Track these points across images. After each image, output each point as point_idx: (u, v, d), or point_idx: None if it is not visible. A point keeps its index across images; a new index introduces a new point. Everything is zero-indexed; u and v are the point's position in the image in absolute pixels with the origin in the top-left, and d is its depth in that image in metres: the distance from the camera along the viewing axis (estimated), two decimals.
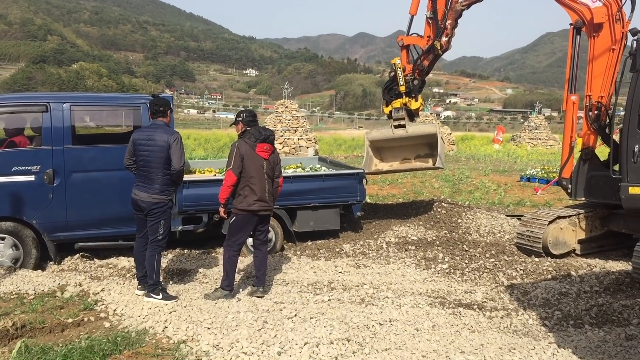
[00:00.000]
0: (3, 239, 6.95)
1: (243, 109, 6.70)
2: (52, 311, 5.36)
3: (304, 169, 9.96)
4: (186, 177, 7.32)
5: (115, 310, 5.48)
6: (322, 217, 8.80)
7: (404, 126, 9.52)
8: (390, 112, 9.63)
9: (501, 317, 5.75)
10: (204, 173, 9.39)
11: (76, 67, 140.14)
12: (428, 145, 9.92)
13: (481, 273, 7.36)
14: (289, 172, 9.15)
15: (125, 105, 8.00)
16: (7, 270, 6.71)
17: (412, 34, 9.64)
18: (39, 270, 6.97)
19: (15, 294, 5.94)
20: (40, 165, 7.07)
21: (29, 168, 7.03)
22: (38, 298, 5.78)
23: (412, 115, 9.76)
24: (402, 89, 9.37)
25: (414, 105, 9.51)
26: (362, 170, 9.18)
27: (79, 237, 7.41)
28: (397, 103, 9.52)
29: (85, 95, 9.52)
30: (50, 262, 7.33)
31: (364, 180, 9.13)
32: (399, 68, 9.34)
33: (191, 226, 8.07)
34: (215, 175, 9.12)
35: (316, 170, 9.78)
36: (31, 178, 7.03)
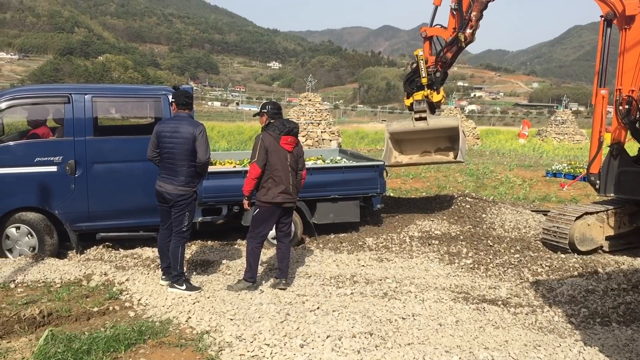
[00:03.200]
0: (19, 228, 7.06)
1: (267, 101, 6.69)
2: (78, 300, 5.44)
3: (324, 161, 9.94)
4: None
5: (139, 299, 5.53)
6: (342, 209, 8.77)
7: (425, 119, 9.44)
8: (412, 104, 9.55)
9: (526, 314, 5.68)
10: (224, 165, 9.43)
11: (102, 59, 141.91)
12: (449, 139, 9.83)
13: (506, 269, 7.28)
14: (309, 164, 9.15)
15: (146, 97, 8.06)
16: (34, 259, 6.82)
17: (436, 25, 9.54)
18: (66, 259, 7.08)
19: (42, 282, 6.04)
20: (62, 156, 7.15)
21: (52, 159, 7.13)
22: (64, 287, 5.87)
23: (434, 107, 9.68)
24: (424, 81, 9.28)
25: (435, 97, 9.42)
26: (382, 163, 9.13)
27: (101, 227, 7.50)
28: (418, 95, 9.43)
29: (107, 87, 9.61)
30: (73, 252, 7.43)
31: (385, 173, 9.07)
32: (422, 60, 9.24)
33: (211, 218, 8.11)
34: (235, 166, 9.15)
35: (336, 163, 9.75)
36: (53, 169, 7.13)
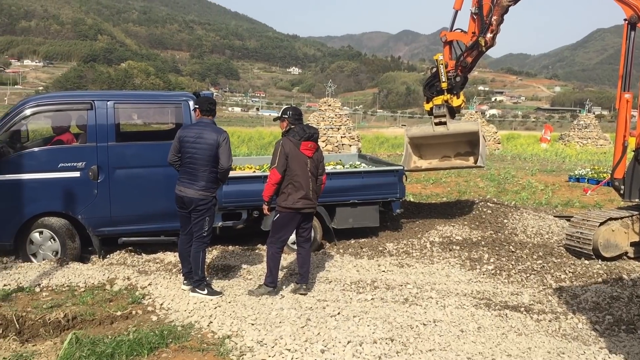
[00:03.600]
0: (42, 232, 7.16)
1: (288, 106, 6.71)
2: (102, 304, 5.51)
3: (343, 166, 9.94)
4: None
5: (162, 304, 5.59)
6: (361, 214, 8.74)
7: (444, 123, 9.40)
8: (431, 109, 9.51)
9: (549, 321, 5.61)
10: (243, 170, 9.48)
11: (125, 65, 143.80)
12: (469, 143, 9.76)
13: (528, 275, 7.20)
14: (328, 168, 9.15)
15: (168, 103, 8.15)
16: (59, 263, 6.93)
17: (456, 29, 9.49)
18: (89, 264, 7.18)
19: (67, 286, 6.13)
20: (85, 162, 7.25)
21: (75, 164, 7.23)
22: (88, 291, 5.95)
23: (454, 112, 9.62)
24: (444, 85, 9.24)
25: (455, 102, 9.37)
26: (401, 167, 9.09)
27: (123, 232, 7.58)
28: (438, 100, 9.39)
29: (129, 93, 9.72)
30: (96, 256, 7.53)
31: (404, 177, 9.03)
32: (441, 64, 9.21)
33: (231, 222, 8.15)
34: (254, 172, 9.20)
35: (356, 167, 9.73)
36: (77, 174, 7.23)
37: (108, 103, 7.40)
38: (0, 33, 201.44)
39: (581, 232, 8.12)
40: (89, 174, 7.25)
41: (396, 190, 8.87)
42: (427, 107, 9.64)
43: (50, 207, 7.20)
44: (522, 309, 5.92)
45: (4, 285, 6.05)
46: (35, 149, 7.34)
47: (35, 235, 7.16)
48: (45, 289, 6.02)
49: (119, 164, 7.40)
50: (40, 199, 7.14)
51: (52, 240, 7.19)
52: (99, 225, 7.40)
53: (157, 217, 7.57)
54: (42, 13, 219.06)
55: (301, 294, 6.05)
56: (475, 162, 9.50)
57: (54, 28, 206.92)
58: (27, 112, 7.24)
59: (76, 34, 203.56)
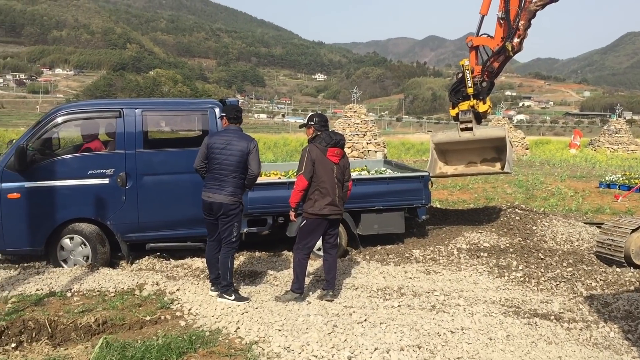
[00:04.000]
0: (72, 238, 7.29)
1: (314, 112, 6.73)
2: (131, 309, 5.58)
3: (369, 172, 9.91)
4: None
5: (190, 309, 5.64)
6: (386, 220, 8.69)
7: (470, 129, 9.33)
8: (457, 114, 9.45)
9: (580, 329, 5.51)
10: (269, 176, 9.52)
11: (153, 73, 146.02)
12: (495, 149, 9.67)
13: (558, 282, 7.09)
14: (353, 174, 9.14)
15: (194, 110, 8.24)
16: (89, 269, 7.05)
17: (482, 34, 9.44)
18: (119, 269, 7.28)
19: (97, 291, 6.23)
20: (113, 169, 7.37)
21: (104, 171, 7.35)
22: (118, 296, 6.03)
23: (480, 117, 9.56)
24: (470, 90, 9.17)
25: (481, 107, 9.31)
26: (427, 173, 9.02)
27: (150, 238, 7.67)
28: (464, 105, 9.33)
29: (156, 101, 9.84)
30: (124, 262, 7.64)
31: (430, 183, 8.98)
32: (468, 69, 9.15)
33: (256, 228, 8.19)
34: (280, 178, 9.23)
35: (381, 173, 9.70)
36: (105, 181, 7.35)
37: (136, 111, 7.52)
38: (33, 43, 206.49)
39: (612, 240, 7.98)
40: (117, 181, 7.37)
41: (422, 196, 8.81)
42: (453, 112, 9.59)
43: (80, 213, 7.33)
44: (552, 317, 5.83)
45: (37, 289, 6.18)
46: (66, 157, 7.49)
47: (66, 241, 7.30)
48: (76, 293, 6.13)
49: (147, 171, 7.50)
50: (70, 205, 7.28)
51: (82, 245, 7.31)
52: (127, 231, 7.49)
53: (184, 223, 7.64)
54: (73, 23, 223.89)
55: (328, 300, 6.05)
56: (502, 167, 9.40)
57: (84, 37, 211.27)
58: (58, 120, 7.39)
59: (106, 42, 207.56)
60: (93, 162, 7.42)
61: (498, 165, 9.65)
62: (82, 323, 5.07)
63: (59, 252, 7.30)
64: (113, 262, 7.57)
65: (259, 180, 8.22)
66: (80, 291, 6.20)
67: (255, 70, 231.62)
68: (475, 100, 9.26)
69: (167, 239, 7.75)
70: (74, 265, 7.25)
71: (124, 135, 7.42)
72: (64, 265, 7.28)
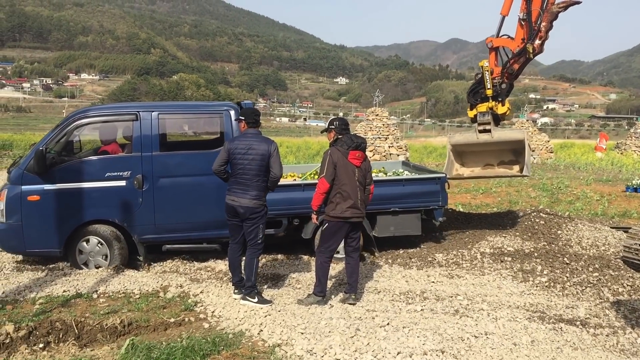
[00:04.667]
0: (88, 241, 7.40)
1: (334, 116, 6.74)
2: (156, 310, 5.65)
3: (386, 174, 9.87)
4: None
5: (213, 311, 5.68)
6: (402, 222, 8.60)
7: (489, 131, 9.26)
8: (475, 116, 9.38)
9: (607, 335, 5.43)
10: (285, 178, 9.54)
11: (176, 78, 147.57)
12: (513, 152, 9.59)
13: (584, 288, 6.99)
14: None
15: (210, 113, 8.31)
16: (114, 271, 7.15)
17: (502, 35, 9.36)
18: (144, 272, 7.37)
19: (123, 293, 6.31)
20: (130, 171, 7.47)
21: (121, 174, 7.45)
22: (143, 297, 6.11)
23: (498, 119, 9.48)
24: (489, 92, 9.10)
25: (500, 109, 9.22)
26: (444, 175, 8.94)
27: (166, 239, 7.75)
28: (482, 107, 9.26)
29: (172, 104, 9.91)
30: (152, 264, 7.73)
31: (447, 185, 8.90)
32: (487, 71, 9.07)
33: (272, 230, 8.18)
34: (295, 179, 9.25)
35: (398, 175, 9.65)
36: (122, 183, 7.46)
37: (152, 114, 7.61)
38: (60, 48, 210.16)
39: None
40: (134, 183, 7.47)
41: (438, 198, 8.72)
42: (471, 114, 9.53)
43: (98, 215, 7.44)
44: (578, 322, 5.75)
45: (64, 291, 6.29)
46: (84, 159, 7.61)
47: (83, 244, 7.40)
48: (102, 295, 6.22)
49: (163, 173, 7.57)
50: (88, 207, 7.39)
51: (100, 245, 7.42)
52: (143, 232, 7.58)
53: (199, 225, 7.71)
54: (99, 28, 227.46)
55: (350, 304, 6.05)
56: (521, 170, 9.31)
57: (109, 42, 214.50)
58: (76, 123, 7.52)
59: (130, 47, 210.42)
60: (110, 164, 7.53)
61: (516, 168, 9.55)
62: (107, 324, 5.14)
63: (78, 256, 7.41)
64: (137, 265, 7.66)
65: None
66: (105, 293, 6.29)
67: (277, 74, 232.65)
68: (494, 102, 9.19)
69: (183, 240, 7.83)
70: (96, 266, 7.36)
71: (140, 138, 7.52)
72: (84, 267, 7.39)
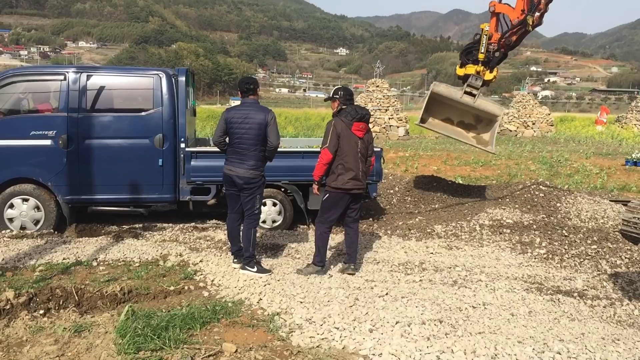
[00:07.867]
0: (27, 200, 7.54)
1: (339, 86, 6.64)
2: (156, 279, 5.67)
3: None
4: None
5: (213, 280, 5.71)
6: None
7: (474, 95, 9.26)
8: (465, 75, 9.33)
9: (604, 307, 5.47)
10: None
11: (175, 47, 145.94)
12: (486, 122, 9.78)
13: (582, 260, 7.03)
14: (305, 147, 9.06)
15: (140, 77, 8.20)
16: (114, 239, 7.17)
17: (505, 3, 9.25)
18: (143, 240, 7.38)
19: (122, 261, 6.33)
20: (55, 131, 7.52)
21: (46, 133, 7.51)
22: (143, 266, 6.13)
23: (483, 85, 9.48)
24: (481, 57, 9.02)
25: (487, 76, 9.20)
26: (380, 149, 8.48)
27: (91, 200, 7.82)
28: (470, 69, 9.21)
29: (103, 67, 9.96)
30: (148, 233, 7.76)
31: (382, 159, 8.67)
32: (486, 35, 8.98)
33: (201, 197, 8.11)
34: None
35: None
36: (47, 142, 7.52)
37: (81, 75, 7.65)
38: (57, 15, 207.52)
39: (639, 218, 7.85)
40: (59, 143, 7.50)
41: (372, 173, 8.35)
42: (460, 72, 9.47)
43: (22, 173, 7.52)
44: (576, 294, 5.79)
45: (64, 258, 6.30)
46: (9, 117, 7.63)
47: (10, 203, 7.52)
48: (102, 263, 6.24)
49: (88, 134, 7.60)
50: (13, 165, 7.47)
51: (25, 202, 7.55)
52: (67, 192, 7.64)
53: (125, 188, 7.78)
54: None
55: (349, 274, 6.08)
56: (487, 145, 9.66)
57: (107, 10, 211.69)
58: (7, 81, 7.58)
59: (128, 16, 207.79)
60: (35, 123, 7.56)
61: (472, 134, 9.89)
62: (107, 292, 5.16)
63: (5, 216, 7.53)
64: (137, 234, 7.68)
65: (200, 149, 8.23)
66: (105, 261, 6.31)
67: (276, 44, 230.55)
68: (482, 67, 9.14)
69: (109, 202, 7.88)
70: (22, 227, 7.53)
71: (67, 98, 7.55)
72: (8, 224, 7.51)
